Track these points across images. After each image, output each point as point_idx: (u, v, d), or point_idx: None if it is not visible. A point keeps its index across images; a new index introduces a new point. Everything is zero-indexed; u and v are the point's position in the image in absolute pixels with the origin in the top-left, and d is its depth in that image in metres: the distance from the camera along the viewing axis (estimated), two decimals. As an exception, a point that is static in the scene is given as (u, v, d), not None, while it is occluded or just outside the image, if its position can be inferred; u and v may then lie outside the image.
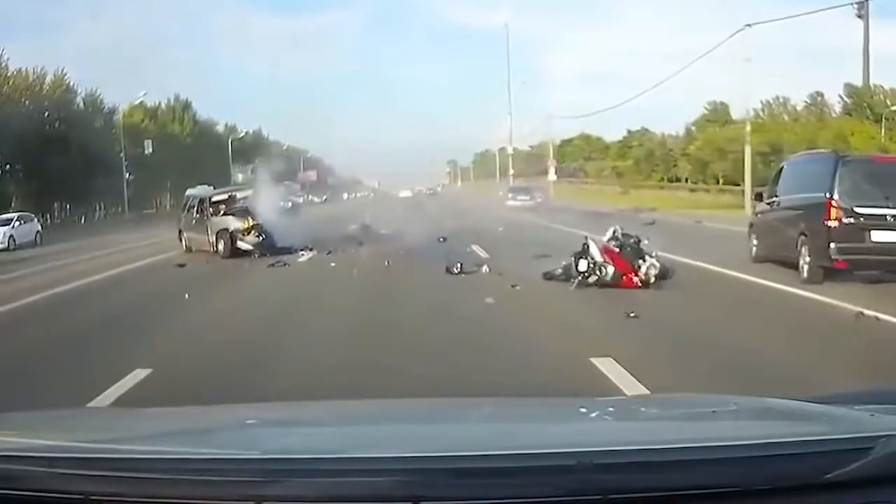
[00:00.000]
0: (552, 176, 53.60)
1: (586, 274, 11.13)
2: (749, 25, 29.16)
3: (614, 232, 11.85)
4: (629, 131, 70.74)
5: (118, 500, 1.50)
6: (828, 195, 11.12)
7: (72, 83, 48.90)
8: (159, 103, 60.33)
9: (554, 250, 14.35)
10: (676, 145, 58.05)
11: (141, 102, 57.34)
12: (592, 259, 11.23)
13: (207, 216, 18.09)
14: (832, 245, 10.93)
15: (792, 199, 12.64)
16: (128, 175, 50.31)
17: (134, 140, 50.98)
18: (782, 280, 11.19)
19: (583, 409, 2.55)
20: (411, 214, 35.42)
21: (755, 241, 13.83)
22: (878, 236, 11.01)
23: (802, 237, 11.51)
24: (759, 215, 14.21)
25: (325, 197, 68.79)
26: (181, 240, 19.53)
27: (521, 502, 1.48)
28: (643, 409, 2.61)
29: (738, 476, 1.51)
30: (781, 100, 59.15)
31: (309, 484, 1.49)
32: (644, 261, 11.22)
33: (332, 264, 15.07)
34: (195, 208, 19.05)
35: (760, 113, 55.82)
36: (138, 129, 53.73)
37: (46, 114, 46.74)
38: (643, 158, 59.41)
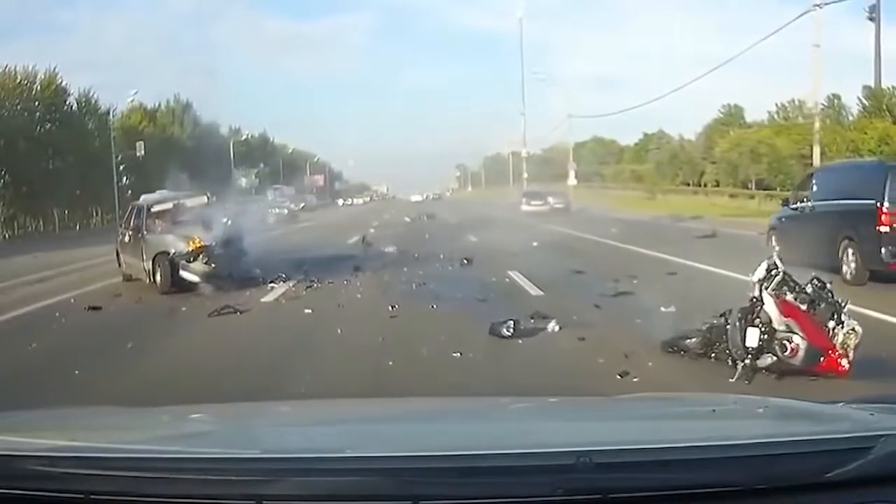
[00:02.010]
0: (572, 180, 48.77)
1: (757, 351, 6.16)
2: (818, 7, 23.19)
3: (771, 269, 6.62)
4: (645, 134, 65.48)
5: (119, 499, 1.47)
6: (878, 201, 11.37)
7: (64, 83, 45.69)
8: (158, 105, 55.43)
9: (628, 281, 11.25)
10: (696, 148, 53.04)
11: (140, 104, 52.65)
12: (769, 325, 6.24)
13: (143, 233, 12.22)
14: (884, 249, 11.19)
15: (831, 205, 12.77)
16: (124, 179, 45.41)
17: (131, 143, 46.30)
18: None
19: (583, 409, 2.55)
20: (422, 226, 29.89)
21: (777, 245, 13.56)
22: None
23: (847, 241, 11.82)
24: (783, 220, 14.48)
25: (302, 204, 50.56)
26: (120, 264, 13.65)
27: (521, 501, 1.45)
28: (643, 408, 2.49)
29: (738, 475, 1.49)
30: (797, 102, 55.52)
31: (308, 483, 1.46)
32: (840, 324, 6.25)
33: (308, 310, 9.24)
34: (132, 222, 13.18)
35: (775, 116, 54.40)
36: (136, 131, 48.73)
37: (37, 114, 43.74)
38: (666, 162, 53.91)
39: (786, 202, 14.73)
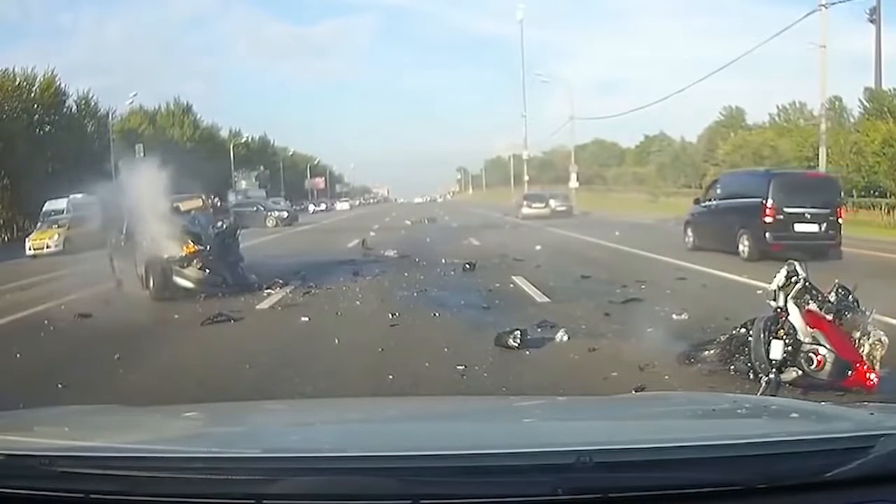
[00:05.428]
0: (574, 182, 48.02)
1: (782, 365, 5.73)
2: (824, 7, 22.74)
3: (791, 276, 6.15)
4: (646, 136, 65.01)
5: (119, 499, 1.45)
6: (764, 199, 15.15)
7: (63, 85, 45.29)
8: (158, 107, 54.94)
9: (637, 287, 11.03)
10: (698, 150, 52.69)
11: (140, 106, 52.07)
12: (793, 336, 5.82)
13: (135, 238, 11.81)
14: (768, 234, 14.98)
15: (731, 203, 16.37)
16: (123, 182, 44.60)
17: (131, 145, 46.12)
18: None
19: (582, 408, 2.52)
20: (423, 229, 29.44)
21: (691, 235, 17.86)
22: (799, 227, 15.09)
23: (742, 230, 15.48)
24: (695, 215, 18.05)
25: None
26: (113, 269, 13.19)
27: (522, 501, 1.43)
28: (643, 407, 2.46)
29: (738, 474, 1.47)
30: (798, 104, 55.41)
31: (309, 482, 1.44)
32: (866, 334, 5.82)
33: (305, 318, 8.82)
34: (123, 226, 12.72)
35: (776, 118, 53.37)
36: (136, 133, 48.41)
37: (36, 117, 43.49)
38: (668, 164, 53.55)
39: (697, 201, 18.57)
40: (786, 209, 15.04)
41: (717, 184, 18.33)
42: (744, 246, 15.32)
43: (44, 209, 29.43)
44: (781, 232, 14.87)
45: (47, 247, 24.12)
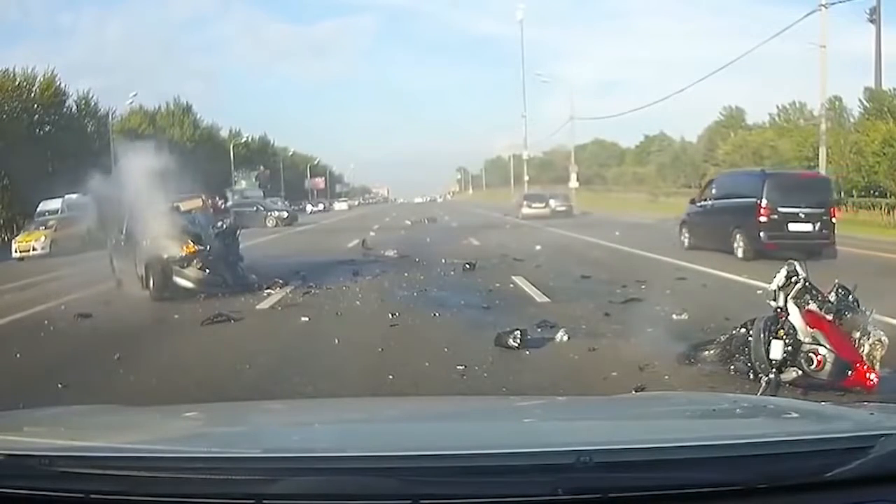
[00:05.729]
0: (574, 182, 47.90)
1: (782, 365, 5.72)
2: (824, 7, 22.71)
3: (791, 276, 6.13)
4: (646, 136, 65.02)
5: (119, 499, 1.46)
6: (758, 199, 15.40)
7: (63, 85, 45.19)
8: (159, 107, 54.84)
9: (636, 287, 11.05)
10: (697, 150, 52.64)
11: (140, 107, 51.90)
12: (793, 336, 5.79)
13: (135, 238, 11.78)
14: (762, 234, 15.26)
15: (726, 203, 16.69)
16: (123, 183, 44.28)
17: (131, 146, 45.43)
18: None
19: (582, 408, 2.52)
20: (423, 229, 29.44)
21: (687, 234, 18.13)
22: (793, 227, 15.31)
23: (737, 229, 15.77)
24: (690, 215, 18.35)
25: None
26: (113, 269, 13.17)
27: (521, 501, 1.43)
28: (643, 408, 2.45)
29: (738, 475, 1.47)
30: (798, 104, 55.59)
31: (308, 483, 1.44)
32: (866, 334, 5.80)
33: (305, 318, 8.81)
34: (122, 225, 12.69)
35: (776, 118, 54.50)
36: (136, 133, 48.40)
37: (36, 117, 43.56)
38: (668, 164, 53.54)
39: (693, 201, 18.85)
40: (780, 209, 15.30)
41: (712, 184, 18.73)
42: (739, 245, 15.63)
43: (38, 209, 28.91)
44: (776, 231, 15.14)
45: (33, 249, 23.69)
